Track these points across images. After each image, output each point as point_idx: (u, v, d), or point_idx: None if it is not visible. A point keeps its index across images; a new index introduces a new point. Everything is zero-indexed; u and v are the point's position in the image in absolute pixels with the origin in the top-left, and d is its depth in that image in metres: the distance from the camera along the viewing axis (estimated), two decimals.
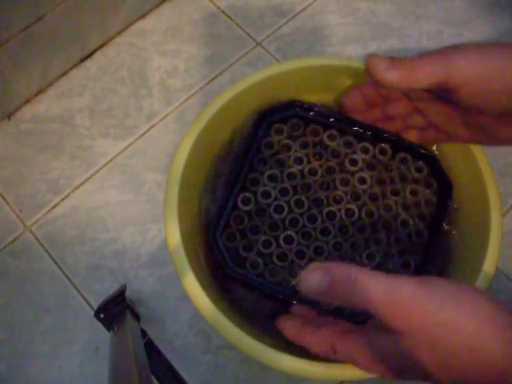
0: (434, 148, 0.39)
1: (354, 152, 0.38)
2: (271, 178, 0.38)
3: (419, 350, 0.25)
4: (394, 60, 0.30)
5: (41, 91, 0.56)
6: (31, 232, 0.50)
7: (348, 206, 0.37)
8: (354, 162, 0.38)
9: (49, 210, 0.51)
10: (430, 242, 0.37)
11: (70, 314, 0.48)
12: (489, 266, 0.33)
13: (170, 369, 0.43)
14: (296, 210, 0.37)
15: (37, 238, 0.50)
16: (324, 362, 0.30)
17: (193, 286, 0.32)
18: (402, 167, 0.38)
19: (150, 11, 0.60)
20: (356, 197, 0.37)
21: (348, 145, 0.38)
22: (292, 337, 0.31)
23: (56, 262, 0.49)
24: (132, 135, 0.54)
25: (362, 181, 0.38)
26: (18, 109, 0.55)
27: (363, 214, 0.37)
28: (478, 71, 0.29)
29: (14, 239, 0.50)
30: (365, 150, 0.38)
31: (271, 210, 0.37)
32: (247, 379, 0.45)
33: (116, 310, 0.43)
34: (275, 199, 0.37)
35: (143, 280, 0.48)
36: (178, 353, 0.46)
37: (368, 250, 0.36)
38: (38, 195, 0.52)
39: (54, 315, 0.48)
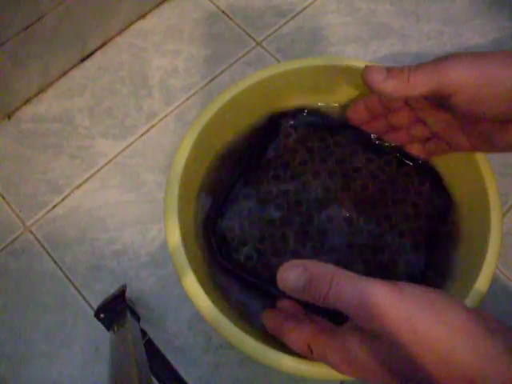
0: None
1: (359, 161, 0.39)
2: (275, 178, 0.38)
3: (388, 355, 0.25)
4: (391, 70, 0.31)
5: (41, 91, 0.56)
6: (31, 232, 0.50)
7: (347, 212, 0.37)
8: (357, 170, 0.39)
9: (49, 210, 0.51)
10: (427, 257, 0.37)
11: (70, 314, 0.48)
12: (489, 266, 0.33)
13: (169, 369, 0.43)
14: (295, 209, 0.37)
15: (37, 238, 0.50)
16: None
17: (193, 285, 0.32)
18: (406, 180, 0.39)
19: (150, 11, 0.60)
20: (356, 203, 0.38)
21: (354, 153, 0.39)
22: (272, 331, 0.32)
23: (56, 262, 0.49)
24: (132, 135, 0.54)
25: (364, 188, 0.38)
26: (17, 109, 0.55)
27: (362, 221, 0.37)
28: (471, 78, 0.29)
29: (14, 239, 0.50)
30: (370, 160, 0.39)
31: (271, 207, 0.37)
32: (247, 379, 0.45)
33: (116, 309, 0.43)
34: (276, 197, 0.38)
35: (143, 280, 0.48)
36: (178, 353, 0.46)
37: (362, 256, 0.37)
38: (38, 195, 0.52)
39: (54, 315, 0.48)
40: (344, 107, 0.40)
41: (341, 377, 0.30)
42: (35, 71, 0.54)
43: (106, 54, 0.58)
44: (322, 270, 0.27)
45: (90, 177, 0.53)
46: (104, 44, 0.58)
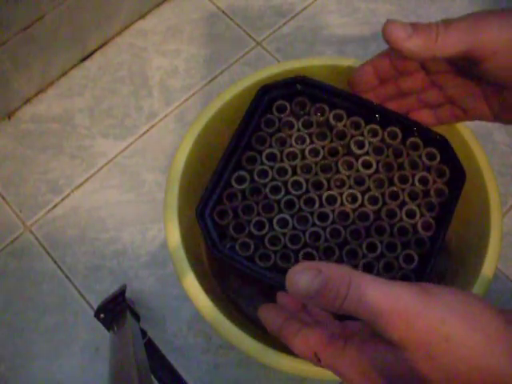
0: None
1: (362, 134, 0.35)
2: (270, 157, 0.35)
3: (418, 365, 0.23)
4: (417, 26, 0.28)
5: (41, 91, 0.56)
6: (31, 232, 0.50)
7: (350, 190, 0.34)
8: (360, 145, 0.35)
9: (49, 210, 0.51)
10: (437, 236, 0.34)
11: (70, 314, 0.48)
12: (489, 266, 0.33)
13: (169, 369, 0.43)
14: (293, 191, 0.34)
15: (37, 238, 0.50)
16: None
17: (193, 286, 0.32)
18: (413, 153, 0.35)
19: (149, 11, 0.60)
20: (360, 182, 0.34)
21: (355, 126, 0.35)
22: (273, 332, 0.28)
23: (56, 262, 0.49)
24: (132, 135, 0.54)
25: (368, 165, 0.35)
26: (18, 109, 0.55)
27: (366, 201, 0.34)
28: (507, 42, 0.26)
29: (14, 239, 0.50)
30: (373, 133, 0.35)
31: (267, 190, 0.34)
32: (247, 379, 0.45)
33: (116, 309, 0.43)
34: (272, 179, 0.34)
35: (143, 280, 0.48)
36: (178, 353, 0.46)
37: (369, 239, 0.33)
38: (38, 195, 0.52)
39: (54, 315, 0.48)
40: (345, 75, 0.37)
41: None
42: (35, 71, 0.54)
43: (106, 54, 0.58)
44: (339, 272, 0.24)
45: (90, 177, 0.53)
46: (104, 44, 0.58)
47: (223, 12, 0.60)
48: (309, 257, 0.32)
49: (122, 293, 0.44)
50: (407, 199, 0.34)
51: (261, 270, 0.32)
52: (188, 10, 0.60)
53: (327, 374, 0.30)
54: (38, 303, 0.48)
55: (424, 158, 0.35)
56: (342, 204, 0.34)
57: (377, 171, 0.35)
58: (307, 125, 0.36)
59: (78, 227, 0.51)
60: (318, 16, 0.60)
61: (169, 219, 0.34)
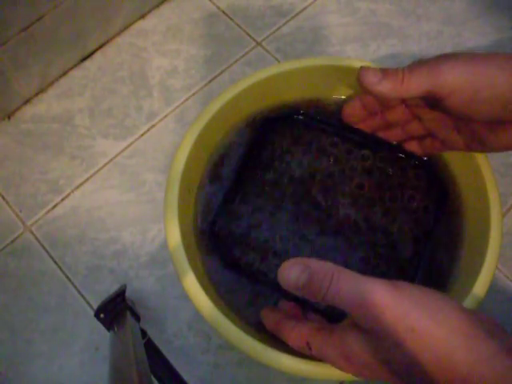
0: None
1: (355, 159, 0.39)
2: (272, 181, 0.38)
3: (386, 352, 0.26)
4: (386, 72, 0.32)
5: (41, 91, 0.56)
6: (31, 232, 0.50)
7: (345, 210, 0.38)
8: (353, 169, 0.39)
9: (49, 210, 0.51)
10: (425, 248, 0.37)
11: (70, 313, 0.48)
12: (489, 265, 0.33)
13: (170, 369, 0.43)
14: (294, 210, 0.38)
15: (37, 238, 0.50)
16: (324, 362, 0.30)
17: (193, 285, 0.32)
18: (401, 174, 0.39)
19: (149, 11, 0.60)
20: (354, 201, 0.38)
21: (348, 152, 0.40)
22: (271, 328, 0.32)
23: (56, 262, 0.49)
24: (132, 135, 0.54)
25: (361, 186, 0.39)
26: (18, 109, 0.55)
27: (360, 219, 0.38)
28: (465, 82, 0.30)
29: (14, 239, 0.50)
30: (364, 158, 0.39)
31: (269, 210, 0.38)
32: (247, 379, 0.45)
33: (116, 309, 0.43)
34: (274, 200, 0.38)
35: (143, 280, 0.48)
36: (178, 353, 0.46)
37: (363, 253, 0.37)
38: (38, 195, 0.52)
39: (54, 315, 0.48)
40: (339, 106, 0.40)
41: (340, 377, 0.30)
42: (35, 71, 0.54)
43: (106, 54, 0.58)
44: (323, 267, 0.27)
45: (90, 177, 0.53)
46: (104, 44, 0.58)
47: (223, 12, 0.60)
48: None
49: (121, 293, 0.44)
50: (397, 216, 0.38)
51: (266, 283, 0.36)
52: (188, 10, 0.60)
53: (326, 373, 0.30)
54: (38, 303, 0.48)
55: (411, 179, 0.39)
56: (338, 221, 0.37)
57: (369, 191, 0.38)
58: (305, 152, 0.40)
59: (78, 227, 0.51)
60: (318, 16, 0.60)
61: (169, 219, 0.34)
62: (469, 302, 0.32)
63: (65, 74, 0.57)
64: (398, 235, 0.37)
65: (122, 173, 0.53)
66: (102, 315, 0.43)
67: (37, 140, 0.54)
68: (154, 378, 0.41)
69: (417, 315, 0.25)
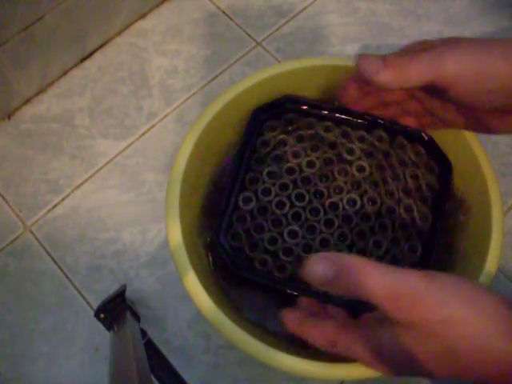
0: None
1: (351, 141, 0.38)
2: (270, 175, 0.37)
3: (420, 344, 0.25)
4: (385, 60, 0.30)
5: (41, 91, 0.56)
6: (31, 232, 0.50)
7: (349, 195, 0.37)
8: (351, 152, 0.38)
9: (49, 210, 0.51)
10: (435, 225, 0.36)
11: (70, 313, 0.48)
12: (490, 265, 0.33)
13: (169, 369, 0.43)
14: (297, 204, 0.37)
15: (37, 238, 0.50)
16: (324, 362, 0.30)
17: (194, 285, 0.32)
18: (401, 152, 0.38)
19: (150, 11, 0.60)
20: (357, 186, 0.37)
21: (344, 135, 0.38)
22: (293, 329, 0.31)
23: (56, 262, 0.49)
24: (132, 135, 0.54)
25: (361, 169, 0.37)
26: (18, 109, 0.55)
27: (365, 202, 0.37)
28: (468, 71, 0.29)
29: (14, 239, 0.50)
30: (361, 139, 0.38)
31: (273, 206, 0.37)
32: (247, 379, 0.45)
33: (116, 309, 0.43)
34: (276, 195, 0.37)
35: (143, 280, 0.48)
36: (178, 353, 0.46)
37: (374, 237, 0.36)
38: (38, 195, 0.52)
39: (54, 315, 0.47)
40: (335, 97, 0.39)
41: (341, 376, 0.30)
42: (35, 71, 0.54)
43: (106, 54, 0.58)
44: (351, 261, 0.26)
45: (90, 177, 0.53)
46: (104, 44, 0.58)
47: (223, 12, 0.60)
48: None
49: (122, 293, 0.44)
50: (402, 195, 0.37)
51: (280, 282, 0.35)
52: (188, 10, 0.60)
53: (327, 373, 0.30)
54: (37, 303, 0.48)
55: (411, 156, 0.38)
56: (344, 209, 0.36)
57: (370, 173, 0.37)
58: (299, 139, 0.38)
59: (78, 227, 0.51)
60: (318, 16, 0.60)
61: (170, 218, 0.34)
62: None
63: (65, 74, 0.57)
64: (406, 215, 0.36)
65: (122, 173, 0.53)
66: (102, 315, 0.43)
67: (37, 140, 0.54)
68: (154, 378, 0.41)
69: (452, 304, 0.24)
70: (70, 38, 0.54)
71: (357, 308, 0.32)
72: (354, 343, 0.28)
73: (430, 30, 0.59)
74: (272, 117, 0.39)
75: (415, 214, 0.36)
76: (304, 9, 0.60)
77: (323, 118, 0.38)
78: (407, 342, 0.25)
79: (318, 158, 0.38)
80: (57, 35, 0.53)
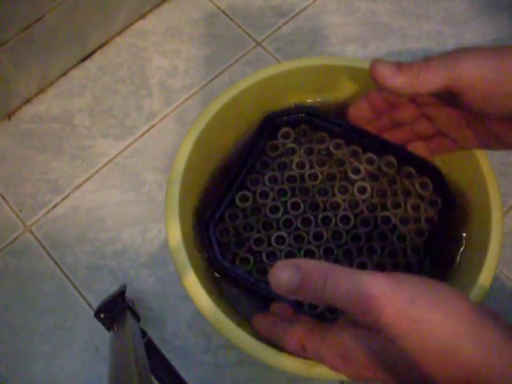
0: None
1: (359, 161, 0.38)
2: (271, 180, 0.38)
3: (389, 347, 0.25)
4: (400, 65, 0.30)
5: (41, 91, 0.56)
6: (31, 232, 0.50)
7: (344, 213, 0.37)
8: (356, 171, 0.38)
9: (49, 210, 0.51)
10: (425, 259, 0.36)
11: (70, 313, 0.48)
12: (490, 265, 0.33)
13: (170, 369, 0.43)
14: (291, 211, 0.37)
15: (37, 238, 0.50)
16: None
17: (194, 285, 0.32)
18: (406, 181, 0.38)
19: (150, 11, 0.60)
20: (354, 205, 0.37)
21: (354, 154, 0.38)
22: (263, 334, 0.31)
23: (56, 262, 0.49)
24: (132, 135, 0.54)
25: (363, 190, 0.37)
26: (18, 109, 0.55)
27: (359, 223, 0.36)
28: (484, 76, 0.28)
29: (14, 239, 0.50)
30: (370, 161, 0.38)
31: (267, 209, 0.37)
32: (247, 379, 0.45)
33: (116, 309, 0.43)
34: (272, 199, 0.37)
35: (143, 280, 0.48)
36: (178, 353, 0.46)
37: (360, 258, 0.36)
38: (38, 195, 0.52)
39: (54, 315, 0.47)
40: (343, 105, 0.39)
41: (341, 377, 0.30)
42: (35, 71, 0.54)
43: (106, 54, 0.58)
44: (316, 266, 0.26)
45: (90, 177, 0.53)
46: (104, 44, 0.58)
47: (223, 12, 0.60)
48: None
49: (122, 293, 0.44)
50: (398, 223, 0.37)
51: (257, 282, 0.35)
52: (188, 10, 0.60)
53: (326, 373, 0.30)
54: (38, 303, 0.48)
55: (417, 187, 0.38)
56: (336, 224, 0.37)
57: (371, 196, 0.37)
58: (309, 152, 0.39)
59: (78, 227, 0.51)
60: (318, 16, 0.60)
61: (170, 218, 0.34)
62: None
63: (65, 74, 0.57)
64: (398, 243, 0.36)
65: (122, 173, 0.53)
66: (102, 315, 0.43)
67: (37, 140, 0.54)
68: (153, 378, 0.41)
69: (419, 305, 0.24)
70: (70, 38, 0.54)
71: (328, 317, 0.33)
72: (320, 347, 0.28)
73: (430, 29, 0.59)
74: (286, 123, 0.39)
75: (407, 244, 0.36)
76: (304, 9, 0.60)
77: (336, 134, 0.39)
78: (373, 347, 0.25)
79: (321, 172, 0.38)
80: (57, 35, 0.53)
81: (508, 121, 0.31)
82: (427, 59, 0.30)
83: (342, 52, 0.58)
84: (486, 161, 0.36)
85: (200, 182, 0.39)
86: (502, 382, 0.23)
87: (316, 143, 0.39)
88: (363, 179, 0.37)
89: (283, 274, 0.26)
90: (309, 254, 0.36)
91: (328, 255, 0.36)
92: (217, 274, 0.37)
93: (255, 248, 0.36)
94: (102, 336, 0.46)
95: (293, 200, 0.37)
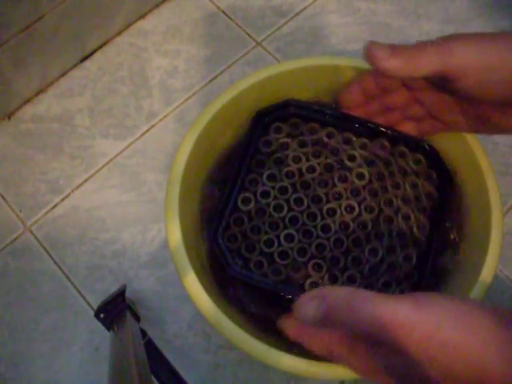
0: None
1: (353, 148, 0.38)
2: (270, 178, 0.38)
3: (421, 367, 0.25)
4: (395, 48, 0.30)
5: (41, 91, 0.56)
6: (31, 232, 0.50)
7: (348, 202, 0.37)
8: (352, 158, 0.38)
9: (49, 210, 0.51)
10: (432, 236, 0.36)
11: (70, 313, 0.48)
12: (490, 265, 0.33)
13: (169, 369, 0.43)
14: (295, 208, 0.37)
15: (37, 238, 0.50)
16: (324, 362, 0.30)
17: (194, 285, 0.32)
18: (401, 161, 0.38)
19: (150, 11, 0.60)
20: (356, 193, 0.37)
21: (347, 142, 0.38)
22: (292, 337, 0.31)
23: (56, 262, 0.49)
24: (132, 135, 0.54)
25: (361, 176, 0.37)
26: (18, 109, 0.55)
27: (363, 210, 0.37)
28: (478, 62, 0.28)
29: (14, 239, 0.50)
30: (363, 146, 0.38)
31: (271, 209, 0.37)
32: (247, 379, 0.45)
33: (116, 309, 0.43)
34: (274, 198, 0.37)
35: (143, 280, 0.48)
36: (178, 353, 0.46)
37: (370, 244, 0.36)
38: (38, 195, 0.52)
39: (54, 315, 0.48)
40: (335, 101, 0.39)
41: (341, 376, 0.30)
42: (35, 71, 0.54)
43: (106, 54, 0.58)
44: (339, 296, 0.26)
45: (90, 177, 0.53)
46: (104, 44, 0.58)
47: (223, 12, 0.60)
48: (317, 267, 0.35)
49: (121, 293, 0.44)
50: (401, 204, 0.37)
51: (274, 284, 0.35)
52: (188, 10, 0.60)
53: (327, 373, 0.30)
54: (38, 303, 0.48)
55: (412, 164, 0.38)
56: (341, 215, 0.37)
57: (370, 181, 0.37)
58: (302, 144, 0.38)
59: (78, 227, 0.51)
60: (318, 16, 0.60)
61: (170, 218, 0.34)
62: None
63: (65, 73, 0.57)
64: (404, 224, 0.36)
65: (122, 173, 0.53)
66: (102, 315, 0.43)
67: (37, 140, 0.54)
68: (154, 378, 0.41)
69: (446, 329, 0.24)
70: (70, 38, 0.54)
71: None
72: (351, 358, 0.28)
73: (430, 29, 0.59)
74: (277, 119, 0.39)
75: (413, 223, 0.36)
76: (304, 9, 0.60)
77: (326, 123, 0.39)
78: (402, 365, 0.25)
79: (319, 163, 0.38)
80: (57, 35, 0.53)
81: (500, 106, 0.31)
82: (422, 43, 0.30)
83: (342, 52, 0.58)
84: (486, 161, 0.36)
85: (201, 181, 0.39)
86: None
87: (308, 135, 0.39)
88: (360, 165, 0.38)
89: (309, 308, 0.27)
90: (319, 248, 0.36)
91: (338, 246, 0.36)
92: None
93: (266, 250, 0.36)
94: (102, 336, 0.46)
95: (295, 196, 0.37)
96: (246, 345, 0.31)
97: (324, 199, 0.37)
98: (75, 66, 0.57)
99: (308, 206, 0.37)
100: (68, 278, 0.49)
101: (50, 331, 0.47)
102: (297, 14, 0.60)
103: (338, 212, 0.37)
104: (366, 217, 0.37)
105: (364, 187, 0.37)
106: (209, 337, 0.46)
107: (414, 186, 0.37)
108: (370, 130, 0.38)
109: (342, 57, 0.38)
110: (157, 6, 0.60)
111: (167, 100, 0.56)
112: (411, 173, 0.38)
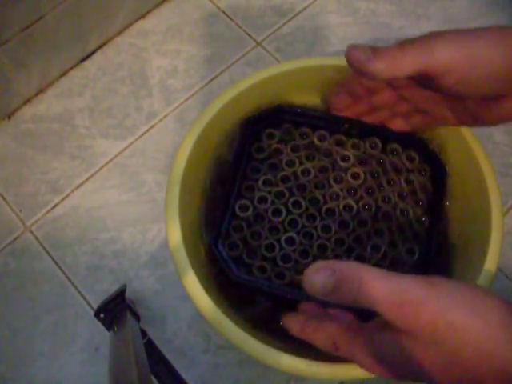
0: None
1: (345, 149, 0.38)
2: (265, 184, 0.38)
3: (424, 351, 0.25)
4: (376, 50, 0.30)
5: (41, 91, 0.56)
6: (31, 232, 0.50)
7: (345, 201, 0.37)
8: (345, 159, 0.38)
9: (49, 210, 0.51)
10: (431, 228, 0.37)
11: (70, 313, 0.48)
12: (490, 265, 0.33)
13: (169, 369, 0.43)
14: (294, 211, 0.37)
15: (37, 238, 0.50)
16: (324, 362, 0.30)
17: (193, 285, 0.32)
18: (394, 158, 0.38)
19: (150, 11, 0.60)
20: (353, 192, 0.37)
21: (339, 143, 0.39)
22: (297, 333, 0.31)
23: (56, 262, 0.49)
24: (132, 135, 0.54)
25: (356, 176, 0.38)
26: (18, 109, 0.55)
27: (361, 208, 0.37)
28: (459, 59, 0.28)
29: (14, 239, 0.50)
30: (355, 146, 0.38)
31: (269, 214, 0.37)
32: (247, 379, 0.45)
33: (116, 309, 0.43)
34: (272, 203, 0.37)
35: (143, 280, 0.48)
36: (178, 353, 0.46)
37: (371, 241, 0.36)
38: (38, 195, 0.52)
39: (54, 315, 0.48)
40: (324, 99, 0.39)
41: (341, 376, 0.30)
42: (35, 71, 0.54)
43: (106, 54, 0.58)
44: (351, 269, 0.25)
45: (90, 177, 0.53)
46: (104, 44, 0.58)
47: (223, 12, 0.60)
48: None
49: (121, 293, 0.44)
50: (398, 200, 0.37)
51: (279, 288, 0.35)
52: (188, 10, 0.60)
53: (327, 373, 0.30)
54: (38, 303, 0.48)
55: (405, 161, 0.38)
56: (340, 214, 0.37)
57: (365, 180, 0.38)
58: (295, 149, 0.39)
59: (78, 227, 0.51)
60: (318, 16, 0.60)
61: (170, 218, 0.34)
62: None
63: (65, 73, 0.57)
64: (402, 218, 0.37)
65: (122, 173, 0.53)
66: (102, 315, 0.43)
67: (37, 140, 0.54)
68: (154, 378, 0.41)
69: (456, 310, 0.24)
70: (70, 38, 0.54)
71: (362, 313, 0.32)
72: (355, 347, 0.28)
73: (430, 29, 0.58)
74: (268, 125, 0.39)
75: (411, 217, 0.37)
76: (304, 9, 0.60)
77: (317, 127, 0.39)
78: (410, 349, 0.25)
79: (313, 166, 0.38)
80: (57, 35, 0.53)
81: (485, 100, 0.31)
82: (402, 43, 0.30)
83: (342, 52, 0.57)
84: (486, 161, 0.36)
85: (200, 181, 0.39)
86: None
87: (300, 139, 0.39)
88: (354, 165, 0.38)
89: (318, 276, 0.26)
90: (321, 248, 0.36)
91: (340, 245, 0.36)
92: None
93: (268, 254, 0.36)
94: (102, 336, 0.46)
95: (292, 199, 0.37)
96: (246, 345, 0.31)
97: (321, 200, 0.37)
98: (75, 65, 0.57)
99: (306, 208, 0.37)
100: (68, 278, 0.49)
101: (49, 331, 0.47)
102: (297, 14, 0.60)
103: (337, 212, 0.37)
104: (365, 214, 0.37)
105: (360, 186, 0.38)
106: (209, 337, 0.46)
107: (409, 181, 0.38)
108: (360, 130, 0.38)
109: (341, 57, 0.38)
110: (157, 6, 0.60)
111: (167, 100, 0.56)
112: (405, 169, 0.38)
